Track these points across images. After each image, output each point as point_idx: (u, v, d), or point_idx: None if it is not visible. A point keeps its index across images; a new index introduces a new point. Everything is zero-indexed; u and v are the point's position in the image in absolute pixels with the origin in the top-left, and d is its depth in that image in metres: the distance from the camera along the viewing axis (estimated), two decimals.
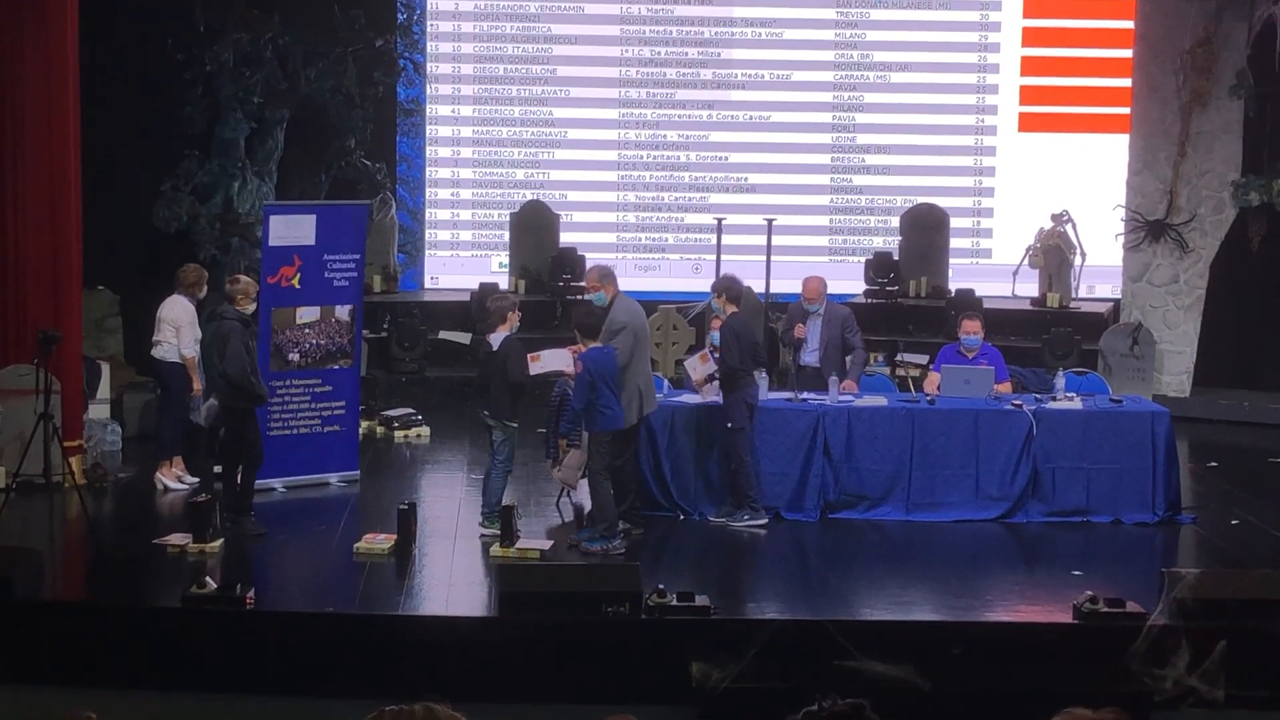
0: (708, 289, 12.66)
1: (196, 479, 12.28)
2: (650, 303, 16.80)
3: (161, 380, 12.69)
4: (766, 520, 11.58)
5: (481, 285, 17.15)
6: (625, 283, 17.93)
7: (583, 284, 17.15)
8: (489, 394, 11.35)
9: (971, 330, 12.64)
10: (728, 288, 11.78)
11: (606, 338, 11.09)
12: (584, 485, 11.37)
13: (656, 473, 11.86)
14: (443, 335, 16.66)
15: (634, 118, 18.32)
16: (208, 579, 9.51)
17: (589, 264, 17.37)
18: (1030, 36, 18.25)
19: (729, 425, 11.52)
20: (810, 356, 12.58)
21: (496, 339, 11.33)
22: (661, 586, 9.48)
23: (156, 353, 12.47)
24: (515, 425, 11.32)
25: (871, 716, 3.97)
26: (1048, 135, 18.25)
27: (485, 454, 13.24)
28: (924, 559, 11.11)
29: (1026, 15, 18.23)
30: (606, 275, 11.58)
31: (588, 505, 11.36)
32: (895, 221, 17.93)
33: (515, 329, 11.49)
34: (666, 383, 13.05)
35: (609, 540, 10.89)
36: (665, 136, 18.33)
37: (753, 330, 12.06)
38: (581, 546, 10.90)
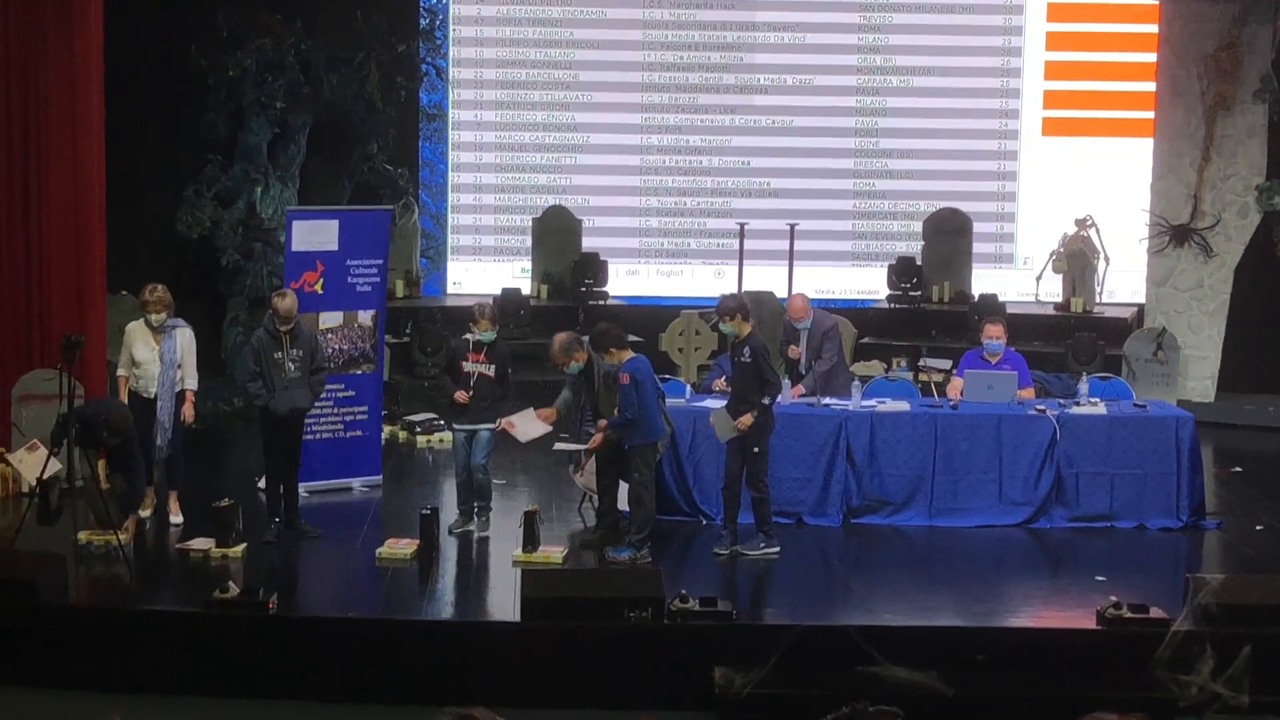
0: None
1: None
2: (672, 308, 16.88)
3: None
4: (779, 548, 11.13)
5: (504, 290, 17.16)
6: (648, 287, 18.21)
7: (605, 289, 17.21)
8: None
9: (994, 335, 12.58)
10: (742, 307, 11.11)
11: None
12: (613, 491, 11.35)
13: (679, 477, 11.83)
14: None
15: (656, 122, 18.31)
16: (230, 584, 9.54)
17: (610, 269, 17.41)
18: (1053, 40, 18.22)
19: (755, 450, 11.01)
20: (801, 369, 12.61)
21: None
22: (684, 591, 9.47)
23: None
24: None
25: None
26: (1071, 139, 18.21)
27: (507, 459, 13.28)
28: (947, 564, 11.08)
29: (1050, 19, 18.21)
30: (570, 347, 11.12)
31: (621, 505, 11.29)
32: (918, 226, 17.91)
33: None
34: (689, 387, 13.02)
35: (638, 550, 10.83)
36: (688, 141, 18.31)
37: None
38: (608, 555, 10.85)
